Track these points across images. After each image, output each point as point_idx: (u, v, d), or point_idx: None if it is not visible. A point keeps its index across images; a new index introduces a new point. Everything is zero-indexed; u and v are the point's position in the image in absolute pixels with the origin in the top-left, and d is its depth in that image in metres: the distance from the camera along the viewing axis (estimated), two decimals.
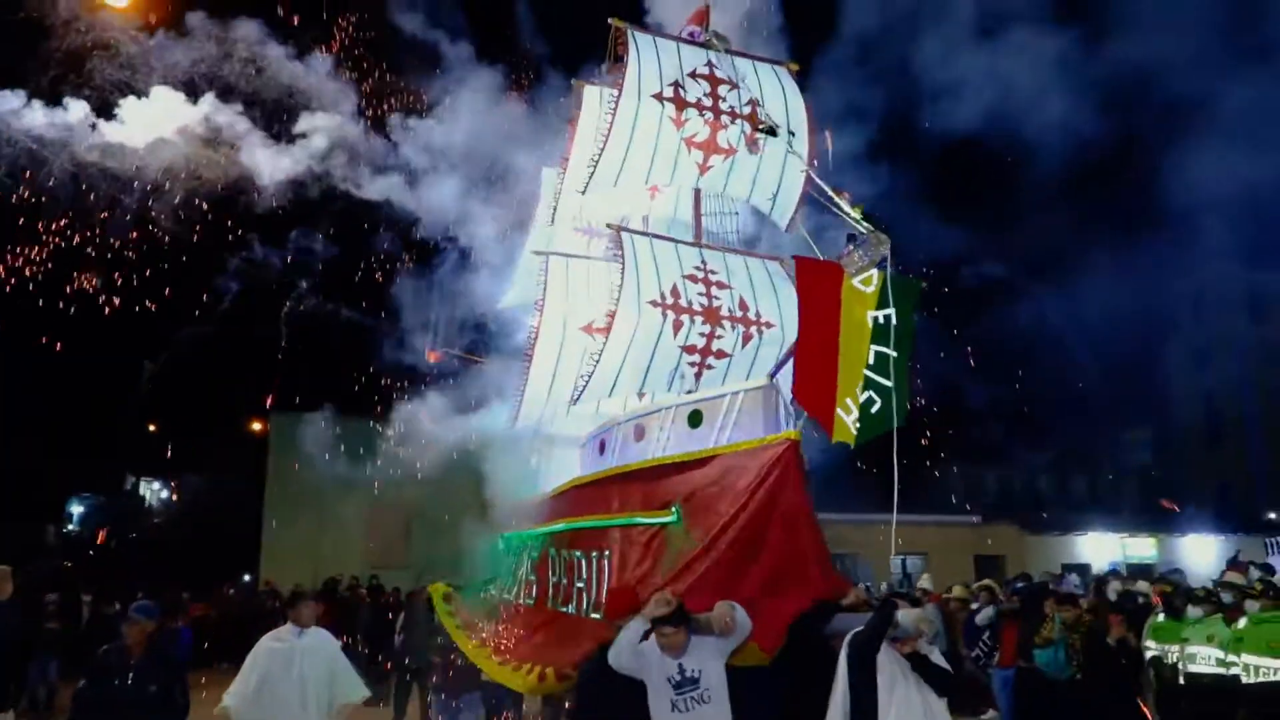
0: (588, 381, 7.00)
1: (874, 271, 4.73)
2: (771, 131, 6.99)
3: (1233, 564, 11.65)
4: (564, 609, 6.44)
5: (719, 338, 7.33)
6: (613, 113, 7.37)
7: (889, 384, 4.75)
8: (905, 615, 4.28)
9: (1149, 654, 6.75)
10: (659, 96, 7.53)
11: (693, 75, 7.90)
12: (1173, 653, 6.68)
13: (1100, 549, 22.41)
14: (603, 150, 7.47)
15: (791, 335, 7.66)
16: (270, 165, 10.79)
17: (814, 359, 4.72)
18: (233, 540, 21.48)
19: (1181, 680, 6.29)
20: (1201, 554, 21.51)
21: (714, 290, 7.50)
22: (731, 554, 4.98)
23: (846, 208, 4.70)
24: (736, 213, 8.52)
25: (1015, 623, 7.84)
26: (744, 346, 7.54)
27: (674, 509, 5.38)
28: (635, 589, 5.27)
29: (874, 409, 4.77)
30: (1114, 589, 8.59)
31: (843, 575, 5.39)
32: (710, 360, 7.36)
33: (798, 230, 8.61)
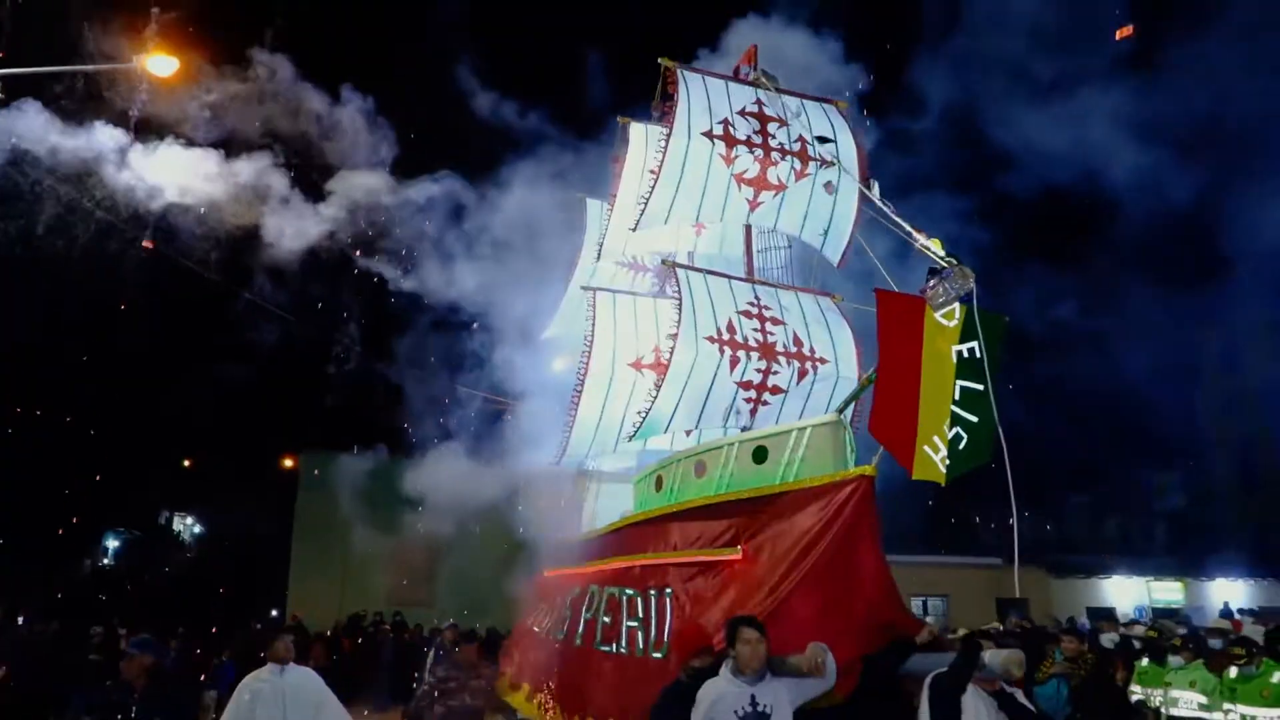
0: (645, 417, 7.09)
1: (956, 305, 4.77)
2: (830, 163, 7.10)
3: (1225, 614, 12.12)
4: (620, 650, 6.45)
5: (775, 373, 7.41)
6: (663, 151, 7.57)
7: (975, 419, 4.74)
8: (993, 656, 4.20)
9: (1134, 698, 7.06)
10: (709, 134, 7.73)
11: (742, 113, 8.10)
12: (1156, 696, 7.05)
13: (1126, 592, 22.49)
14: (653, 188, 7.66)
15: (845, 372, 7.76)
16: (302, 222, 11.33)
17: (895, 394, 4.73)
18: (261, 576, 21.84)
19: None
20: (1229, 598, 21.42)
21: (769, 326, 7.60)
22: (802, 592, 4.97)
23: (925, 241, 4.75)
24: (789, 246, 8.65)
25: None
26: (799, 382, 7.61)
27: (739, 546, 5.42)
28: (704, 627, 5.28)
29: (961, 445, 4.75)
30: (1108, 639, 8.75)
31: (913, 614, 5.31)
32: (766, 396, 7.44)
33: (848, 265, 8.75)
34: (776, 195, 8.06)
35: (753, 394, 7.37)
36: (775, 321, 7.67)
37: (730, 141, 7.80)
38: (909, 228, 4.96)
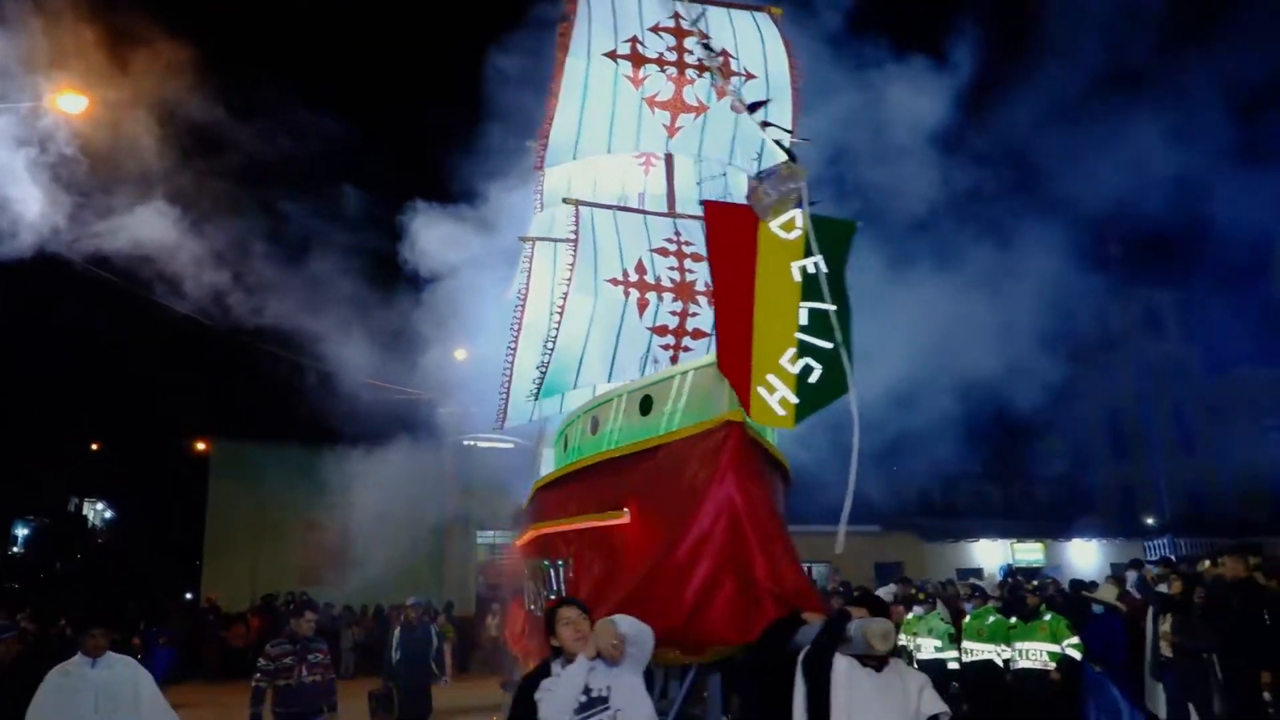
0: (544, 373, 7.10)
1: (796, 214, 4.41)
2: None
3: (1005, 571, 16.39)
4: None
5: (693, 315, 7.40)
6: (558, 76, 7.43)
7: (828, 347, 4.36)
8: (856, 626, 3.87)
9: (901, 643, 9.03)
10: (612, 55, 7.53)
11: (655, 29, 7.89)
12: (911, 642, 9.19)
13: (992, 554, 26.17)
14: (553, 119, 7.55)
15: None
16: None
17: (732, 324, 4.38)
18: (175, 559, 22.63)
19: (914, 664, 8.66)
20: (1085, 557, 26.10)
21: (688, 263, 7.56)
22: (677, 556, 4.82)
23: (777, 136, 4.42)
24: (723, 174, 8.57)
25: None
26: None
27: (625, 509, 5.32)
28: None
29: (812, 378, 4.35)
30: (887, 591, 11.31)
31: (809, 580, 5.19)
32: (686, 341, 7.43)
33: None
34: (697, 118, 7.93)
35: (670, 340, 7.37)
36: (697, 258, 7.61)
37: (638, 61, 7.62)
38: (752, 118, 4.66)
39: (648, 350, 7.37)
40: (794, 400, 4.38)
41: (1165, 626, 7.94)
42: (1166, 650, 7.89)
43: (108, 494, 32.24)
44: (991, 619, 8.70)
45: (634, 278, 7.26)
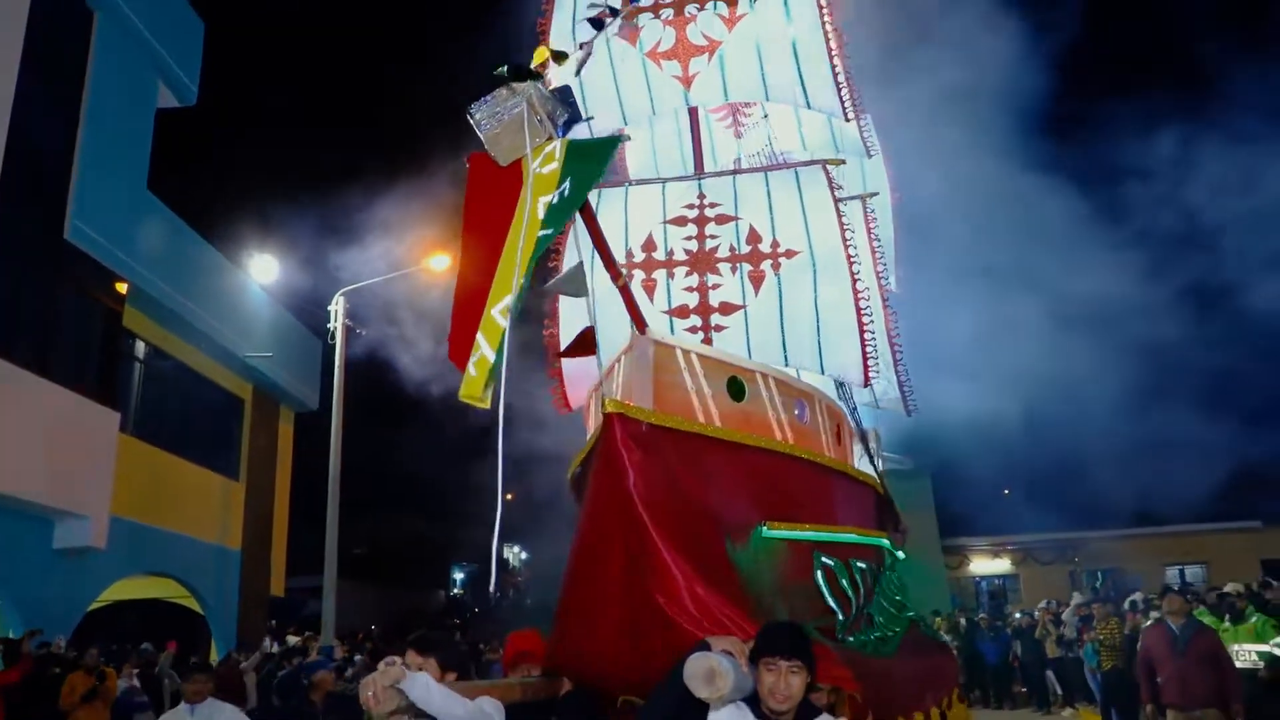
0: (559, 369, 6.73)
1: (556, 144, 3.59)
2: None
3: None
4: None
5: (715, 288, 6.44)
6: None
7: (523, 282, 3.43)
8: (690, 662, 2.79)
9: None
10: (593, 20, 7.00)
11: None
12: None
13: None
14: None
15: (824, 259, 6.46)
16: None
17: (470, 291, 3.64)
18: None
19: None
20: None
21: (710, 228, 6.62)
22: (572, 581, 4.13)
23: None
24: (765, 117, 7.43)
25: None
26: (757, 291, 6.50)
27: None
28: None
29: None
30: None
31: (731, 613, 3.84)
32: (716, 318, 6.48)
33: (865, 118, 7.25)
34: (711, 59, 6.98)
35: (696, 320, 6.48)
36: (723, 220, 6.63)
37: (629, 13, 6.97)
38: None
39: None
40: (491, 358, 3.43)
41: None
42: None
43: (521, 539, 37.96)
44: (1206, 620, 8.60)
45: (639, 257, 6.55)
